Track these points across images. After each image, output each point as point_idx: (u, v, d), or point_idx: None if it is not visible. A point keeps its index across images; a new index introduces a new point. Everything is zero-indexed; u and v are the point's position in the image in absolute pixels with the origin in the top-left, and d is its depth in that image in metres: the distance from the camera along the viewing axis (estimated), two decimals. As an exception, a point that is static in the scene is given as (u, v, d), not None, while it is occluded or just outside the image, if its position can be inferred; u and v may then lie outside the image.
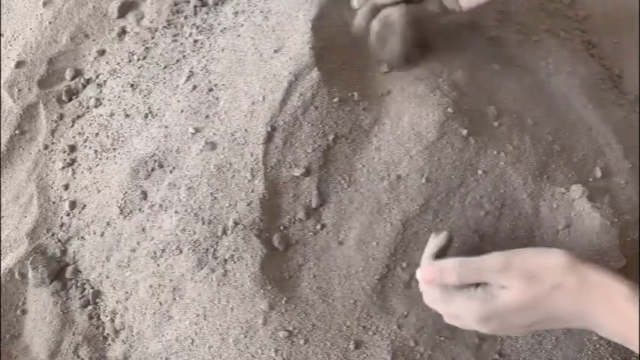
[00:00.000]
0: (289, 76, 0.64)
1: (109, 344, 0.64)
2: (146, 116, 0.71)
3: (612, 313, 0.46)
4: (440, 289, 0.52)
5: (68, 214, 0.70)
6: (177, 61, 0.74)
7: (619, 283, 0.46)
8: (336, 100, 0.64)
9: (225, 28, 0.74)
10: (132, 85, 0.74)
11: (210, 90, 0.68)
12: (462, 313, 0.51)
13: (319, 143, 0.63)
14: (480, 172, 0.62)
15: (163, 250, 0.63)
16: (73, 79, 0.78)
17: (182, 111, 0.68)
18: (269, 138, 0.63)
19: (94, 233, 0.67)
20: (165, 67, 0.74)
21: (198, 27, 0.76)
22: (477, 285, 0.50)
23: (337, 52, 0.67)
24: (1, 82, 0.78)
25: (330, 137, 0.63)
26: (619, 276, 0.46)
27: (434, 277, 0.52)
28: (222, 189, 0.63)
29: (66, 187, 0.72)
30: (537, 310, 0.48)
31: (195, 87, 0.69)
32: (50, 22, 0.81)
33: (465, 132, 0.63)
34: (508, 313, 0.49)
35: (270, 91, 0.64)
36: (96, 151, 0.72)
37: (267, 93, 0.65)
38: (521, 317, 0.49)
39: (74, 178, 0.72)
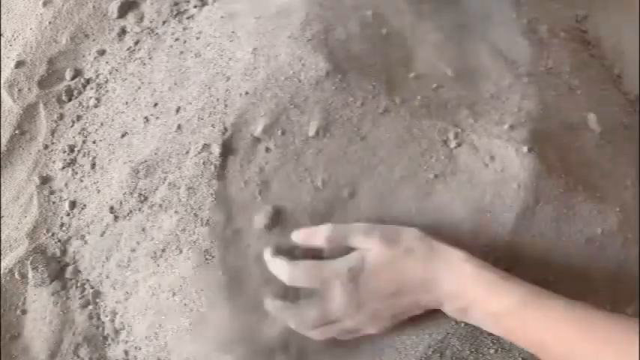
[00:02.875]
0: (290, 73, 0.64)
1: (109, 344, 0.64)
2: (146, 116, 0.71)
3: (451, 272, 0.53)
4: (311, 262, 0.57)
5: (68, 214, 0.70)
6: (179, 61, 0.74)
7: (458, 250, 0.54)
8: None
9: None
10: (132, 85, 0.74)
11: (214, 89, 0.68)
12: (330, 277, 0.56)
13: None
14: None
15: (163, 250, 0.63)
16: (73, 79, 0.78)
17: (183, 111, 0.68)
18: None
19: (94, 233, 0.67)
20: (166, 68, 0.74)
21: (201, 28, 0.76)
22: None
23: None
24: (1, 82, 0.78)
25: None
26: (461, 249, 0.54)
27: (307, 237, 0.59)
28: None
29: (66, 187, 0.72)
30: (395, 271, 0.55)
31: (196, 86, 0.69)
32: (50, 22, 0.81)
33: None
34: (370, 273, 0.55)
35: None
36: (96, 151, 0.72)
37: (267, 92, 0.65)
38: (381, 280, 0.55)
39: (74, 178, 0.72)
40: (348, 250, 0.57)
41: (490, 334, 0.58)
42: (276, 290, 0.59)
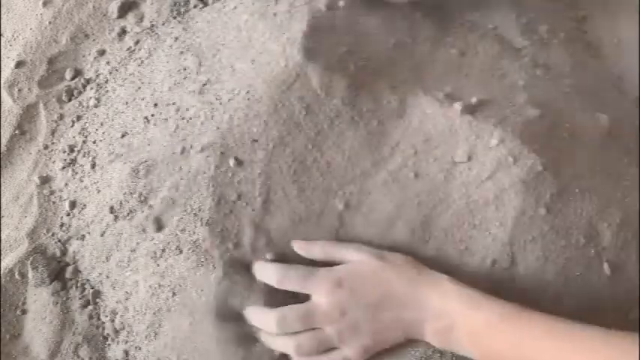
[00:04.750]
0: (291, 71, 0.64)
1: (109, 344, 0.64)
2: (146, 116, 0.70)
3: (435, 291, 0.55)
4: (303, 266, 0.59)
5: (68, 214, 0.70)
6: (179, 61, 0.74)
7: (443, 275, 0.56)
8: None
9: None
10: (132, 86, 0.74)
11: (214, 90, 0.68)
12: (319, 280, 0.57)
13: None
14: None
15: (163, 250, 0.63)
16: (73, 79, 0.78)
17: (183, 111, 0.68)
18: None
19: (94, 233, 0.67)
20: (166, 68, 0.74)
21: (201, 28, 0.76)
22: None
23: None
24: (1, 82, 0.78)
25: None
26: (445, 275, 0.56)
27: (304, 247, 0.61)
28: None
29: (66, 187, 0.72)
30: (380, 281, 0.56)
31: (196, 86, 0.69)
32: (50, 22, 0.80)
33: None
34: (358, 280, 0.57)
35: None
36: (96, 151, 0.72)
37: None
38: (368, 288, 0.56)
39: (74, 178, 0.72)
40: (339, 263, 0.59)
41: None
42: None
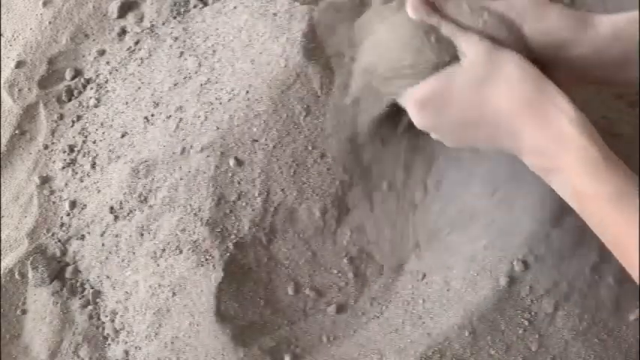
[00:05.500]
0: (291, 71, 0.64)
1: (109, 344, 0.64)
2: (146, 116, 0.71)
3: (554, 134, 0.46)
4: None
5: (68, 214, 0.70)
6: (179, 61, 0.74)
7: (572, 105, 0.46)
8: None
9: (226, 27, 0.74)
10: (132, 86, 0.74)
11: (214, 90, 0.69)
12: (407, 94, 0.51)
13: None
14: None
15: (163, 250, 0.63)
16: (73, 79, 0.78)
17: (183, 111, 0.68)
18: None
19: (94, 233, 0.67)
20: (166, 68, 0.74)
21: (201, 28, 0.76)
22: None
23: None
24: (1, 82, 0.78)
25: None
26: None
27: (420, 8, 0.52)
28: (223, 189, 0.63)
29: (66, 187, 0.72)
30: (476, 99, 0.49)
31: (196, 86, 0.70)
32: (50, 22, 0.80)
33: None
34: (448, 97, 0.50)
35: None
36: (96, 151, 0.72)
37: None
38: (456, 109, 0.49)
39: (74, 178, 0.72)
40: None
41: (491, 337, 0.58)
42: None
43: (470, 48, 0.50)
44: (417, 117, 0.52)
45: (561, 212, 0.59)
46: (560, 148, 0.46)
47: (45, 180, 0.73)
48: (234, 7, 0.74)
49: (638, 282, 0.44)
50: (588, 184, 0.46)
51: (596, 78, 0.53)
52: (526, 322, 0.58)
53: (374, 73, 0.55)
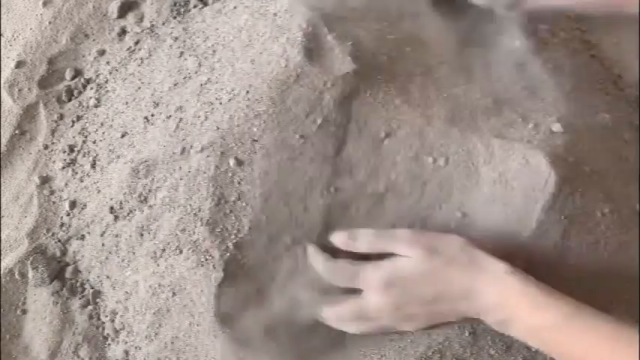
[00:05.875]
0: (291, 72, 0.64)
1: (109, 344, 0.64)
2: (146, 116, 0.71)
3: (494, 285, 0.53)
4: (349, 262, 0.58)
5: (68, 214, 0.70)
6: (179, 61, 0.74)
7: (500, 261, 0.53)
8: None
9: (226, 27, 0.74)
10: (132, 86, 0.74)
11: (214, 90, 0.69)
12: (366, 281, 0.56)
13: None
14: None
15: (163, 250, 0.63)
16: (73, 79, 0.78)
17: (183, 111, 0.68)
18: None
19: (94, 233, 0.67)
20: (166, 68, 0.74)
21: (201, 28, 0.76)
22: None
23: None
24: (1, 82, 0.78)
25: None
26: (503, 261, 0.54)
27: (346, 241, 0.59)
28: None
29: (66, 187, 0.72)
30: (435, 281, 0.55)
31: (196, 86, 0.69)
32: (50, 22, 0.81)
33: None
34: (409, 280, 0.55)
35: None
36: (96, 151, 0.72)
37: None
38: (421, 287, 0.55)
39: (74, 178, 0.72)
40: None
41: (491, 337, 0.58)
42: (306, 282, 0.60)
43: (409, 251, 0.56)
44: (383, 299, 0.55)
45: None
46: (508, 298, 0.52)
47: (45, 180, 0.73)
48: (234, 7, 0.74)
49: None
50: (539, 317, 0.51)
51: None
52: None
53: None
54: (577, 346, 0.50)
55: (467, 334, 0.59)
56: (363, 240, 0.58)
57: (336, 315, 0.58)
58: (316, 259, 0.59)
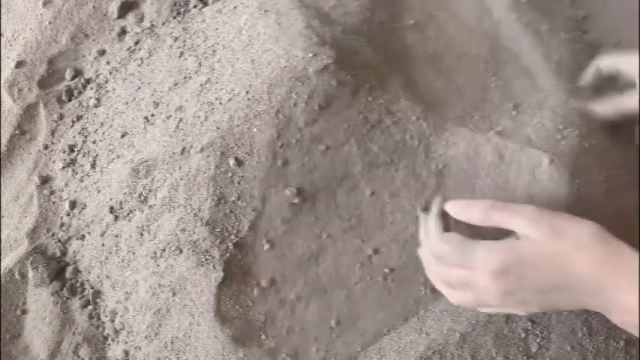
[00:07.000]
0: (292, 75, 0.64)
1: (109, 344, 0.64)
2: (146, 116, 0.71)
3: (633, 286, 0.44)
4: (460, 238, 0.51)
5: (68, 214, 0.70)
6: (179, 61, 0.74)
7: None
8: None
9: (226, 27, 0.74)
10: (132, 85, 0.74)
11: (214, 90, 0.69)
12: (479, 265, 0.49)
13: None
14: None
15: (163, 250, 0.63)
16: (73, 79, 0.78)
17: (183, 111, 0.68)
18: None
19: (94, 233, 0.67)
20: (166, 68, 0.74)
21: (201, 28, 0.76)
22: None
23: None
24: (1, 82, 0.78)
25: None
26: None
27: (462, 210, 0.52)
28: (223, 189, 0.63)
29: (66, 187, 0.72)
30: (556, 269, 0.47)
31: (196, 86, 0.69)
32: (50, 22, 0.81)
33: None
34: (527, 266, 0.48)
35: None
36: (96, 151, 0.72)
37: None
38: (539, 275, 0.47)
39: (74, 178, 0.72)
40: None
41: (491, 338, 0.58)
42: None
43: (531, 230, 0.49)
44: (493, 284, 0.49)
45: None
46: None
47: (45, 180, 0.73)
48: (234, 7, 0.74)
49: None
50: None
51: None
52: (527, 323, 0.58)
53: None
54: None
55: (467, 333, 0.59)
56: (480, 210, 0.51)
57: (439, 275, 0.53)
58: (434, 226, 0.54)
